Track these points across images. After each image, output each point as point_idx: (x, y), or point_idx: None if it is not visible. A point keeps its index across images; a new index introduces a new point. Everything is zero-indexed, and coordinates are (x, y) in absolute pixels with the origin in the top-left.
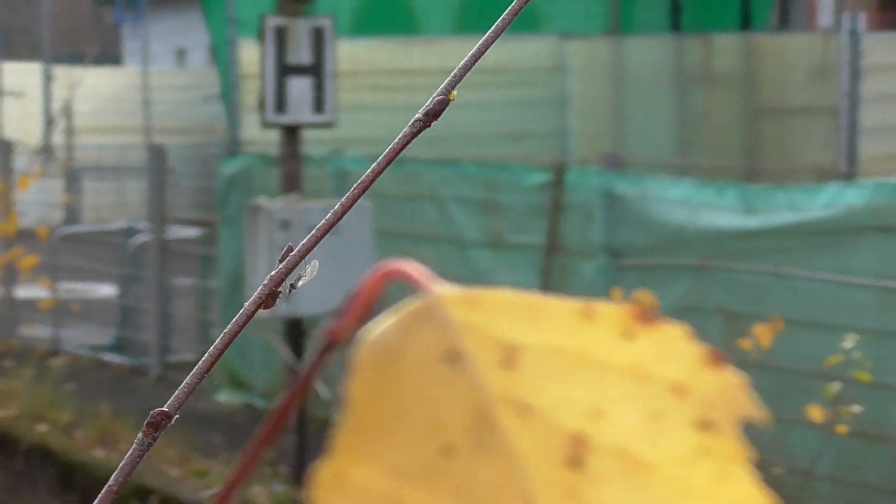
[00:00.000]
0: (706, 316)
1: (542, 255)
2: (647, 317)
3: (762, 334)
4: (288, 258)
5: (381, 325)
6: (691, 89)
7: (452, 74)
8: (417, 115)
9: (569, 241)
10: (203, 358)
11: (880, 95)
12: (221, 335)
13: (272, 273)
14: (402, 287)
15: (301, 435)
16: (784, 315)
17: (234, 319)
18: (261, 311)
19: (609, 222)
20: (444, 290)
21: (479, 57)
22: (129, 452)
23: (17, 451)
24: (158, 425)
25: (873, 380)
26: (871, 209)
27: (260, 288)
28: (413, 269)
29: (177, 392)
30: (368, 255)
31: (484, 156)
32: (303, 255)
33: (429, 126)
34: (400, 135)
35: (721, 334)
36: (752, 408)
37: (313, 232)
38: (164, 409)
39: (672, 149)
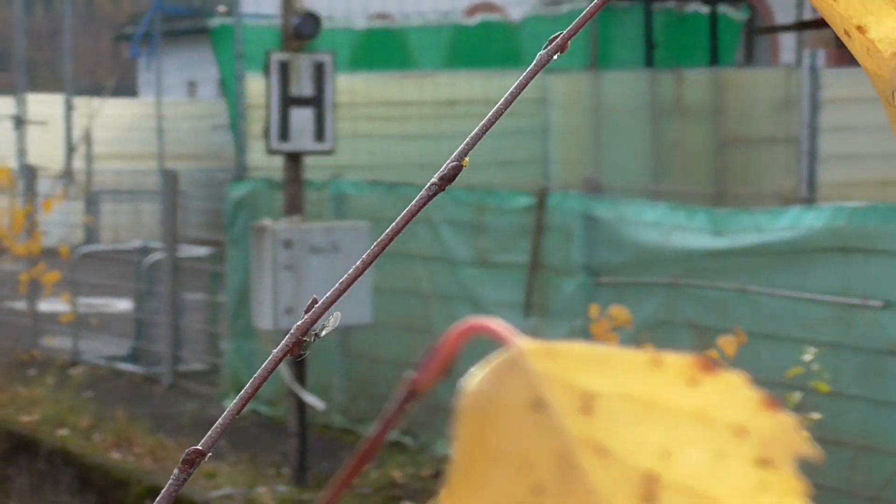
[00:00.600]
0: (677, 329)
1: (526, 272)
2: (709, 365)
3: (727, 346)
4: (313, 309)
5: (475, 377)
6: (664, 120)
7: (465, 143)
8: (433, 180)
9: (550, 260)
10: (235, 399)
11: (838, 126)
12: (252, 379)
13: (299, 322)
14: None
15: (302, 439)
16: (748, 329)
17: (262, 365)
18: (263, 322)
19: (588, 243)
20: (525, 344)
21: (491, 126)
22: (167, 487)
23: (39, 453)
24: (193, 462)
25: (831, 389)
26: (829, 231)
27: (287, 336)
28: (495, 324)
29: (210, 432)
30: (367, 273)
31: (472, 181)
32: (327, 306)
33: (443, 190)
34: (416, 197)
35: (690, 346)
36: (807, 446)
37: (336, 286)
38: (199, 447)
39: (646, 175)
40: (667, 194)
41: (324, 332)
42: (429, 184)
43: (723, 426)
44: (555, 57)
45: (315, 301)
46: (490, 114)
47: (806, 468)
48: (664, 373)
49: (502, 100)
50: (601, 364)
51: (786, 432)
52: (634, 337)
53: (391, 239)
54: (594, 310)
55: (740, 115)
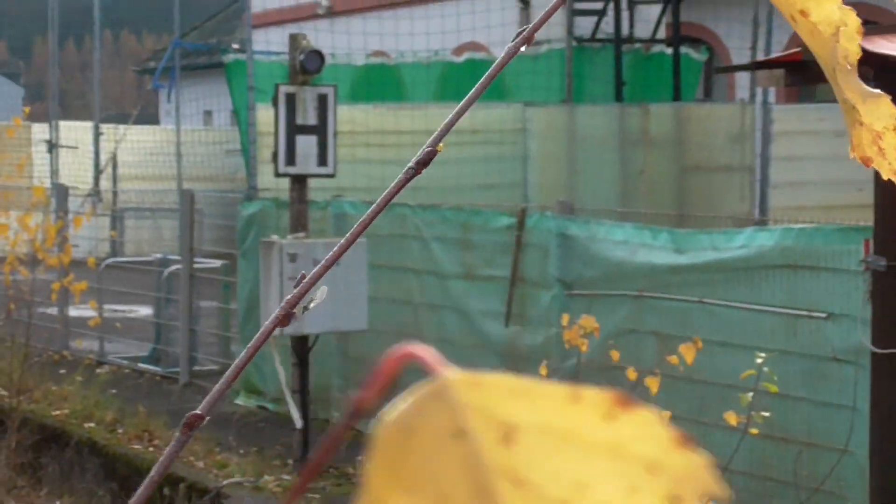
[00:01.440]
0: (642, 337)
1: (507, 285)
2: (625, 401)
3: (687, 352)
4: (302, 284)
5: (397, 406)
6: (631, 149)
7: (438, 130)
8: (410, 164)
9: (529, 274)
10: (230, 368)
11: (787, 156)
12: (246, 348)
13: (288, 296)
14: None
15: (305, 434)
16: (706, 337)
17: (256, 335)
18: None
19: (562, 258)
20: (451, 374)
21: (460, 116)
22: (169, 447)
23: (68, 444)
24: (193, 425)
25: (779, 391)
26: (778, 250)
27: (278, 309)
28: (426, 353)
29: (207, 397)
30: (363, 283)
31: (459, 202)
32: (314, 281)
33: (419, 173)
34: (395, 180)
35: (654, 353)
36: (716, 485)
37: (322, 262)
38: (198, 411)
39: (615, 198)
40: (633, 216)
41: (312, 305)
42: (406, 167)
43: (636, 461)
44: (522, 49)
45: (304, 276)
46: (465, 99)
47: (757, 461)
48: (582, 407)
49: (478, 84)
50: (523, 396)
51: (696, 471)
52: (603, 344)
53: (372, 219)
54: (566, 319)
55: (700, 145)
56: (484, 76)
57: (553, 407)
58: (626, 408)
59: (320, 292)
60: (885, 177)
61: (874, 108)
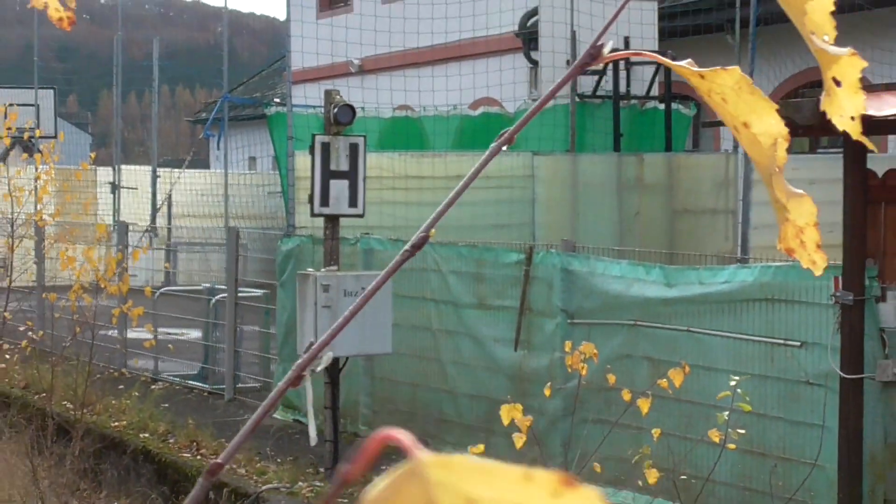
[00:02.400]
0: (636, 362)
1: (516, 314)
2: (570, 482)
3: (675, 376)
4: (310, 350)
5: (378, 483)
6: (627, 194)
7: (431, 218)
8: (406, 248)
9: (535, 304)
10: (252, 417)
11: (766, 201)
12: (269, 397)
13: (298, 361)
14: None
15: (335, 445)
16: (692, 362)
17: (271, 394)
18: (305, 350)
19: (565, 291)
20: (425, 456)
21: (454, 202)
22: (193, 491)
23: (125, 452)
24: (215, 472)
25: (757, 410)
26: (757, 285)
27: (290, 372)
28: (403, 436)
29: (228, 448)
30: (388, 312)
31: (474, 240)
32: (321, 347)
33: (413, 256)
34: (393, 262)
35: (646, 376)
36: None
37: (330, 330)
38: (219, 460)
39: (613, 238)
40: (629, 253)
41: (318, 369)
42: (402, 250)
43: None
44: (504, 148)
45: (312, 343)
46: (452, 192)
47: (738, 473)
48: (533, 485)
49: (465, 178)
50: (485, 475)
51: None
52: (601, 368)
53: (377, 288)
54: (569, 345)
55: (688, 190)
56: (470, 171)
57: (509, 485)
58: (571, 487)
59: (326, 357)
60: (804, 265)
61: (798, 206)
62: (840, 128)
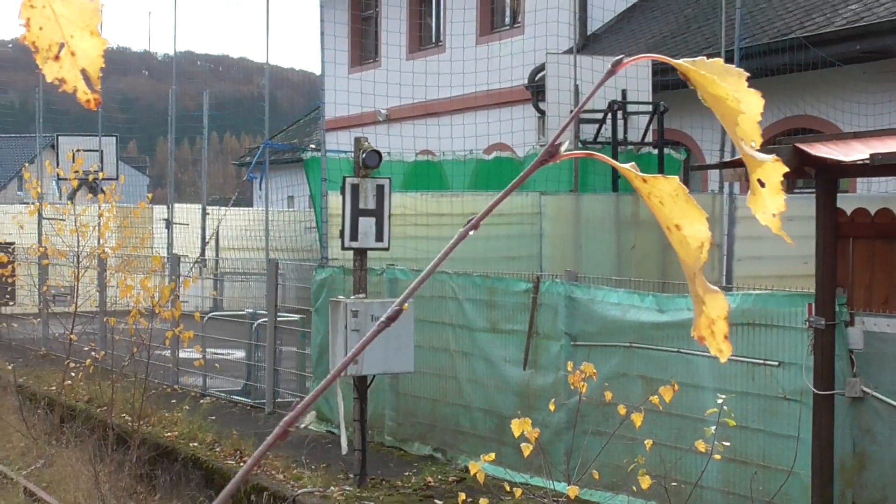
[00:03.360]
0: (631, 380)
1: (524, 337)
2: None
3: (666, 393)
4: (296, 409)
5: None
6: (625, 229)
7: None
8: (381, 319)
9: (542, 328)
10: (262, 445)
11: (748, 236)
12: (263, 443)
13: (286, 418)
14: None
15: (363, 454)
16: (681, 380)
17: (263, 445)
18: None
19: (569, 316)
20: None
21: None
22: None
23: (177, 459)
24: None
25: (739, 423)
26: (741, 311)
27: (278, 428)
28: None
29: (223, 494)
30: (410, 335)
31: (487, 271)
32: (307, 405)
33: (387, 327)
34: (380, 319)
35: (640, 393)
36: None
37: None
38: None
39: (611, 268)
40: (626, 283)
41: (303, 426)
42: (378, 322)
43: None
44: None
45: (299, 401)
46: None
47: (722, 479)
48: None
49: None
50: None
51: None
52: (600, 385)
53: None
54: (571, 365)
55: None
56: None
57: None
58: None
59: (310, 416)
60: (712, 352)
61: (713, 301)
62: (763, 223)
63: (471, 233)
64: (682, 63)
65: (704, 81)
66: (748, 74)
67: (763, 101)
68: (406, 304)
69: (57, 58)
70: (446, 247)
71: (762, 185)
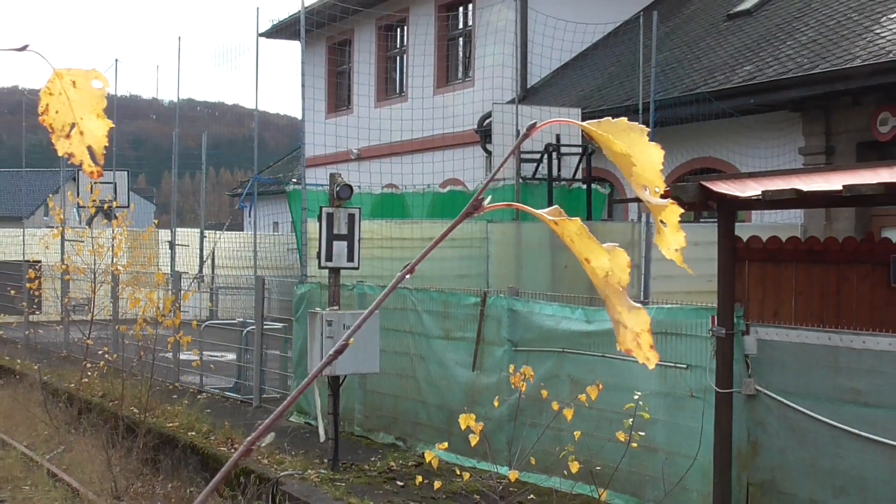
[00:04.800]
0: (562, 381)
1: (473, 343)
2: None
3: (592, 392)
4: (258, 431)
5: None
6: (558, 252)
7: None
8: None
9: (488, 336)
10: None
11: (661, 258)
12: (245, 441)
13: (249, 438)
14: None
15: (336, 442)
16: (605, 381)
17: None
18: (313, 369)
19: (511, 326)
20: None
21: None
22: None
23: (177, 446)
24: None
25: (652, 417)
26: (655, 322)
27: (244, 444)
28: None
29: (204, 490)
30: (376, 341)
31: (442, 286)
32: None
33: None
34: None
35: (570, 391)
36: None
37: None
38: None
39: (547, 285)
40: (559, 297)
41: (263, 444)
42: (328, 354)
43: None
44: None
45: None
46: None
47: (637, 464)
48: None
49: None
50: None
51: None
52: (536, 385)
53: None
54: (512, 368)
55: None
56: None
57: None
58: None
59: (269, 437)
60: (640, 361)
61: (636, 317)
62: (668, 258)
63: (407, 276)
64: (587, 125)
65: (604, 140)
66: (649, 129)
67: (663, 153)
68: (352, 340)
69: (68, 136)
70: (388, 286)
71: (664, 224)
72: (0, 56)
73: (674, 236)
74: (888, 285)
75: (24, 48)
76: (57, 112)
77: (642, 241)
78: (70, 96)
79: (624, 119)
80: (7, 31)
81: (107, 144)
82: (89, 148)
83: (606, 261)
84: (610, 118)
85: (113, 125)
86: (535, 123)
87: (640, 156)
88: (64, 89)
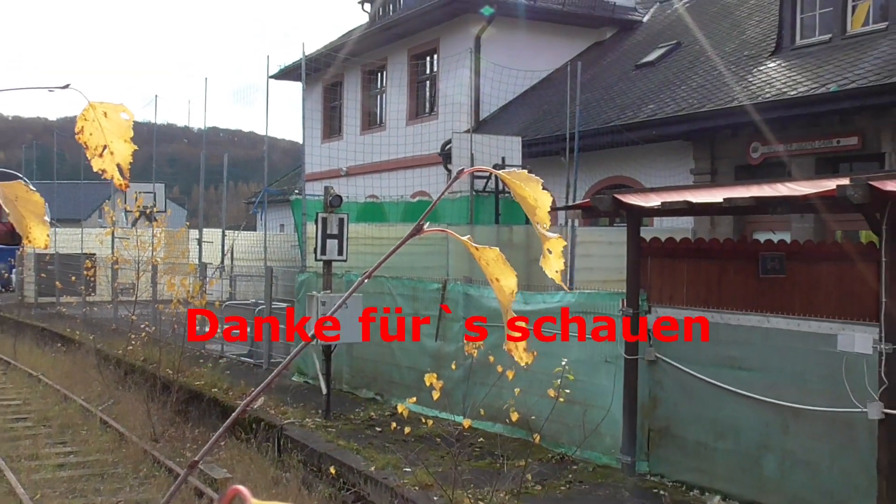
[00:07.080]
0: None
1: (437, 319)
2: None
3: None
4: (251, 395)
5: None
6: (503, 249)
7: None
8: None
9: (448, 314)
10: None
11: (584, 254)
12: (240, 406)
13: (243, 403)
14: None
15: (328, 396)
16: (539, 350)
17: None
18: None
19: (465, 306)
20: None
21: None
22: (176, 483)
23: (203, 400)
24: (194, 466)
25: (576, 378)
26: (577, 304)
27: (238, 409)
28: (245, 491)
29: (206, 447)
30: (359, 316)
31: (413, 276)
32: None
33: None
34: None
35: (511, 358)
36: None
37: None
38: (196, 458)
39: None
40: None
41: (256, 406)
42: (301, 344)
43: None
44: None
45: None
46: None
47: (561, 415)
48: None
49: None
50: None
51: None
52: (485, 352)
53: (360, 284)
54: (467, 338)
55: (538, 248)
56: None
57: None
58: None
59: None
60: (517, 360)
61: (515, 326)
62: (550, 277)
63: (365, 280)
64: (501, 174)
65: (514, 186)
66: (542, 181)
67: (552, 199)
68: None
69: (101, 155)
70: (356, 282)
71: (550, 252)
72: (57, 93)
73: (556, 261)
74: (757, 276)
75: (66, 86)
76: (91, 134)
77: (569, 240)
78: (102, 124)
79: (525, 171)
80: (67, 70)
81: (132, 162)
82: (118, 165)
83: (514, 282)
84: (517, 168)
85: (136, 148)
86: (462, 170)
87: (538, 199)
88: (97, 118)
